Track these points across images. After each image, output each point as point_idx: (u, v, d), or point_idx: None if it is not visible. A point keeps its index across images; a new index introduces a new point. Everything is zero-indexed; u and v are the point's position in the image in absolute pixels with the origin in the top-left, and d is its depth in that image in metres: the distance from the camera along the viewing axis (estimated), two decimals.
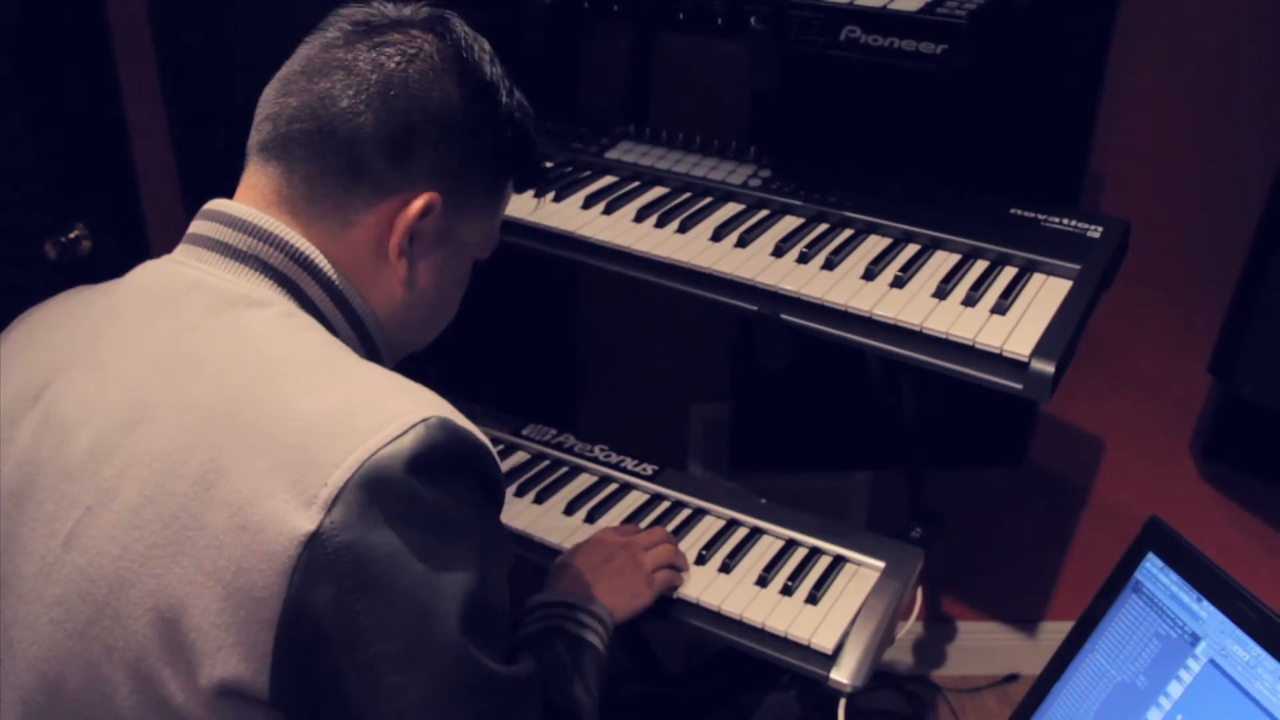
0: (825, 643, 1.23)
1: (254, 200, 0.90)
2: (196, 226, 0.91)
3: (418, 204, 0.90)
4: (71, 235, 1.65)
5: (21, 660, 0.82)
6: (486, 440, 0.86)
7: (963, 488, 2.03)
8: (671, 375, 2.00)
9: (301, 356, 0.84)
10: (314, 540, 0.74)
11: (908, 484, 1.69)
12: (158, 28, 1.66)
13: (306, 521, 0.74)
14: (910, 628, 2.23)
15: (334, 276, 0.90)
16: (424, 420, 0.79)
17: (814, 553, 1.37)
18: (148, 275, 0.91)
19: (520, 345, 1.82)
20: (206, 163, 1.71)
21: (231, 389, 0.80)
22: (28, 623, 0.81)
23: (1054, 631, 2.24)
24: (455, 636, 0.79)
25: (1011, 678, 2.25)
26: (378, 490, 0.76)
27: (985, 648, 2.26)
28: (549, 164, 1.48)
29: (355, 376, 0.84)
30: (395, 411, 0.79)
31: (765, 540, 1.39)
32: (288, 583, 0.74)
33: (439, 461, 0.79)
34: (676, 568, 1.30)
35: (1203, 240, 1.84)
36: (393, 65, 0.88)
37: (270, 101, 0.91)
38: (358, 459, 0.76)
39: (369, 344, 0.94)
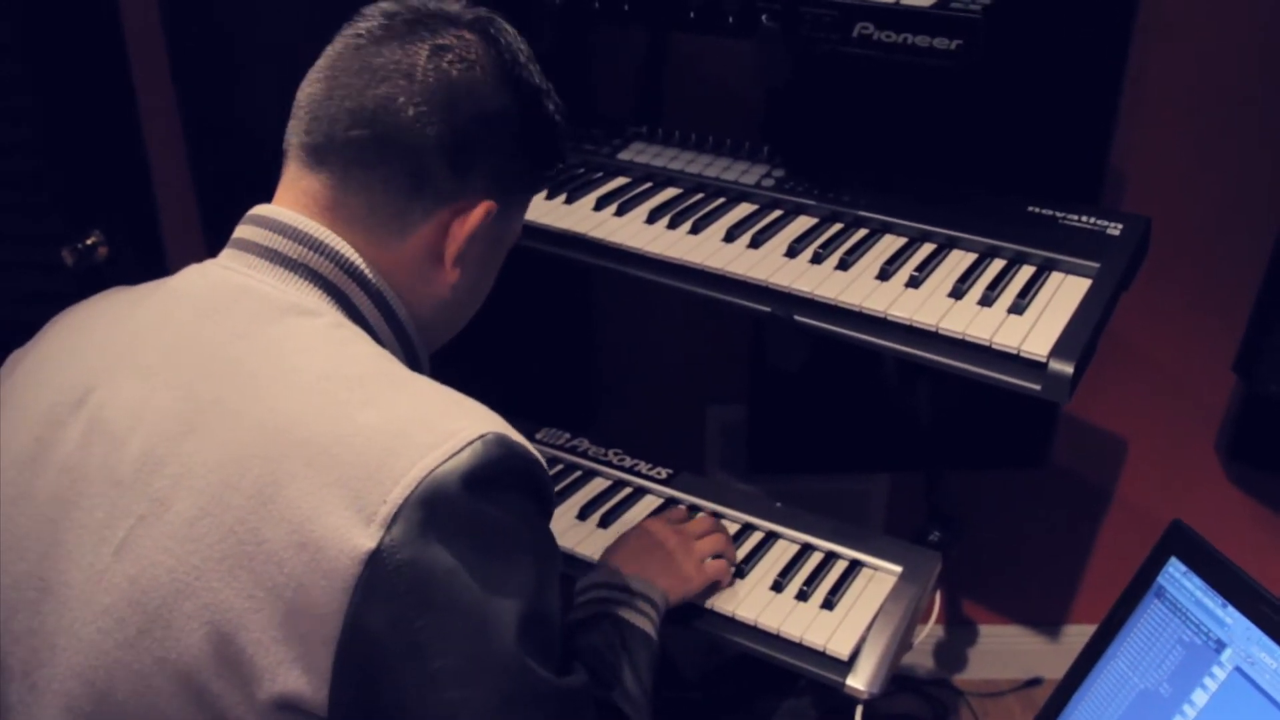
0: (841, 649, 1.21)
1: (304, 206, 0.89)
2: (244, 231, 0.90)
3: (479, 212, 0.90)
4: (88, 242, 1.65)
5: (65, 667, 0.81)
6: (538, 454, 0.86)
7: (984, 489, 2.01)
8: (688, 377, 1.99)
9: (355, 370, 0.84)
10: (375, 558, 0.74)
11: (926, 486, 1.67)
12: (172, 36, 1.66)
13: (367, 539, 0.74)
14: (931, 631, 2.22)
15: (382, 288, 0.90)
16: (481, 437, 0.79)
17: (830, 557, 1.35)
18: (194, 280, 0.90)
19: (535, 348, 1.81)
20: (222, 170, 1.71)
21: (286, 402, 0.80)
22: (74, 630, 0.81)
23: (1077, 635, 2.21)
24: (513, 649, 0.79)
25: (1034, 681, 2.23)
26: (437, 507, 0.76)
27: (1007, 651, 2.23)
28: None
29: (410, 391, 0.84)
30: (452, 428, 0.79)
31: (781, 544, 1.37)
32: (349, 600, 0.74)
33: (496, 477, 0.80)
34: (727, 558, 1.29)
35: (1226, 238, 1.81)
36: (455, 73, 0.88)
37: (319, 101, 0.89)
38: (416, 476, 0.76)
39: (410, 349, 0.95)
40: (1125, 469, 2.06)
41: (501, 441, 0.80)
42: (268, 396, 0.80)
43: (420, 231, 0.90)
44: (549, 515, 0.89)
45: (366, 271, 0.89)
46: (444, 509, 0.76)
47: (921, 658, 2.25)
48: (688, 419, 2.02)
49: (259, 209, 0.91)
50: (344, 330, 0.87)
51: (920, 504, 1.72)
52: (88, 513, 0.81)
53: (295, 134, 0.90)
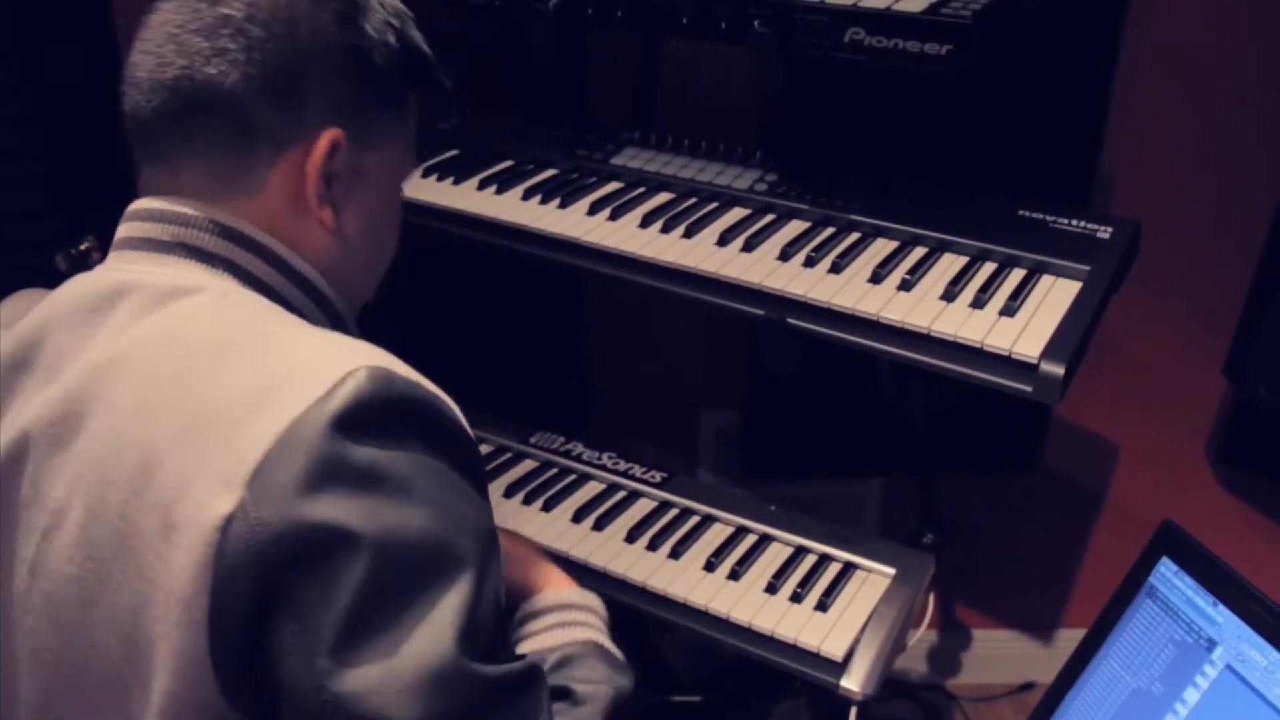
0: (835, 650, 1.22)
1: (156, 194, 0.84)
2: (121, 230, 0.86)
3: (322, 145, 0.84)
4: (82, 247, 1.65)
5: (20, 694, 0.80)
6: (444, 396, 0.77)
7: (977, 494, 2.02)
8: (682, 383, 1.99)
9: (230, 335, 0.77)
10: (231, 521, 0.68)
11: (920, 491, 1.68)
12: None
13: (224, 504, 0.68)
14: (924, 636, 2.22)
15: (268, 243, 0.84)
16: (350, 373, 0.72)
17: (824, 559, 1.35)
18: (78, 286, 0.84)
19: (528, 353, 1.82)
20: None
21: (157, 382, 0.75)
22: (15, 656, 0.79)
23: (1070, 639, 2.21)
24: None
25: (1027, 686, 2.23)
26: (301, 458, 0.69)
27: (1000, 656, 2.24)
28: (554, 170, 1.48)
29: (287, 346, 0.77)
30: (320, 372, 0.72)
31: (774, 547, 1.38)
32: (211, 575, 0.68)
33: (373, 416, 0.72)
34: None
35: (1216, 242, 1.82)
36: (241, 11, 0.81)
37: (126, 98, 0.84)
38: (278, 429, 0.69)
39: (325, 305, 0.88)
40: (1117, 473, 2.07)
41: (377, 376, 0.72)
42: (143, 383, 0.75)
43: (272, 181, 0.83)
44: (464, 467, 0.78)
45: (244, 229, 0.83)
46: (310, 459, 0.69)
47: (914, 662, 2.26)
48: (682, 424, 2.02)
49: (132, 205, 0.86)
50: (229, 299, 0.81)
51: (914, 508, 1.73)
52: (8, 537, 0.79)
53: (127, 117, 0.85)
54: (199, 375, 0.75)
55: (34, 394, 0.81)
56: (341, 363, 0.73)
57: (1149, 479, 2.05)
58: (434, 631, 0.71)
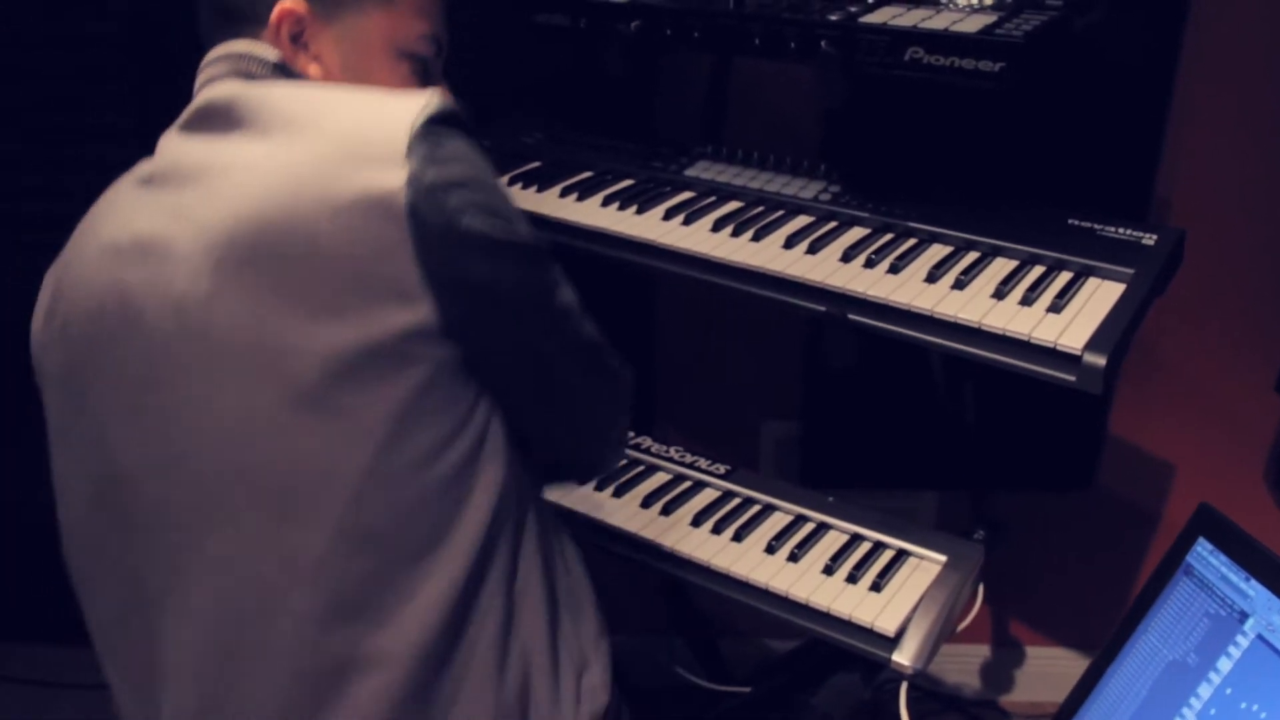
0: (888, 626, 1.29)
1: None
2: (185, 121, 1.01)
3: (274, 18, 1.02)
4: None
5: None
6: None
7: (1031, 510, 2.06)
8: (743, 393, 2.07)
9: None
10: (410, 185, 0.86)
11: (972, 497, 1.74)
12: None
13: (394, 178, 0.86)
14: (976, 651, 2.26)
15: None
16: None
17: (878, 546, 1.43)
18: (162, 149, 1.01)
19: None
20: None
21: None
22: None
23: None
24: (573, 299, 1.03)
25: None
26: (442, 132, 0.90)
27: (1054, 673, 2.26)
28: (630, 180, 1.59)
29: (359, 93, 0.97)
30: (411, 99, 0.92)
31: (831, 534, 1.46)
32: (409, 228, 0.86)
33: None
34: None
35: (1272, 259, 1.86)
36: None
37: None
38: (414, 120, 0.89)
39: None
40: (1172, 492, 2.09)
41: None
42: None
43: (270, 18, 1.03)
44: None
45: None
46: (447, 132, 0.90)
47: (968, 678, 2.30)
48: (743, 434, 2.10)
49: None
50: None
51: (967, 523, 1.79)
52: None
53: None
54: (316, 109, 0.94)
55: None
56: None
57: (1204, 497, 2.07)
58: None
